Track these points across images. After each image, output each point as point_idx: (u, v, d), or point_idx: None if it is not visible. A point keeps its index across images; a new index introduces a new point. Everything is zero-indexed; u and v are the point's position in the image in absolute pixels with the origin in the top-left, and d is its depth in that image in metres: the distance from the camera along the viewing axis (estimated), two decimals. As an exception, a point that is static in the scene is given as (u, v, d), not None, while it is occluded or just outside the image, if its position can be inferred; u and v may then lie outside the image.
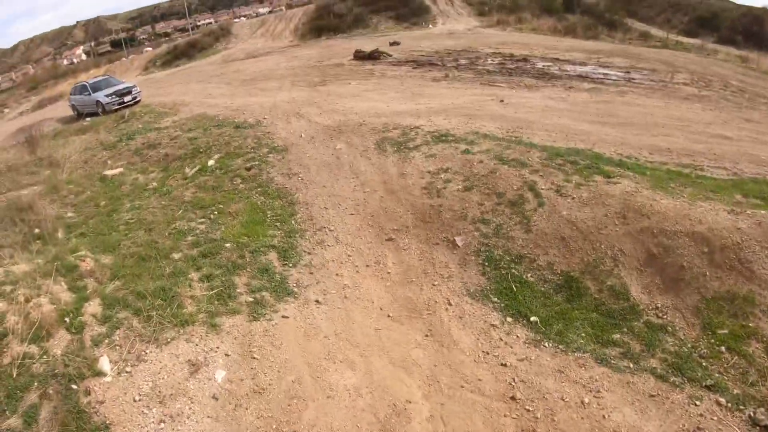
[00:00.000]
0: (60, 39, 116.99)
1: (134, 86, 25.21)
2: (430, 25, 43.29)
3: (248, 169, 12.39)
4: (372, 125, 13.99)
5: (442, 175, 10.88)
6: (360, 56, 28.15)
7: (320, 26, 44.19)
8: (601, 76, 21.35)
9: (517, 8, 47.76)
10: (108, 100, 23.65)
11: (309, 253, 9.48)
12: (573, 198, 9.25)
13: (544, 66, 23.77)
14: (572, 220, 8.86)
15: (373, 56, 27.66)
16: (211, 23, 76.23)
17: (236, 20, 54.47)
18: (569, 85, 19.60)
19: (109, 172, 14.16)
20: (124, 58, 55.55)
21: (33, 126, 23.93)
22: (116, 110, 22.79)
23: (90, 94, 24.67)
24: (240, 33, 47.49)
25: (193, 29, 79.53)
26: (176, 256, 9.15)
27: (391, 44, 31.71)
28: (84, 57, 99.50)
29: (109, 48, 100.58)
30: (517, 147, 11.38)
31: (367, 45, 32.91)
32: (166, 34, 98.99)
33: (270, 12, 68.96)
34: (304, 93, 20.32)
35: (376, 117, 14.92)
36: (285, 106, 18.05)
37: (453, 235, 9.41)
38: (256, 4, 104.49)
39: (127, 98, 24.07)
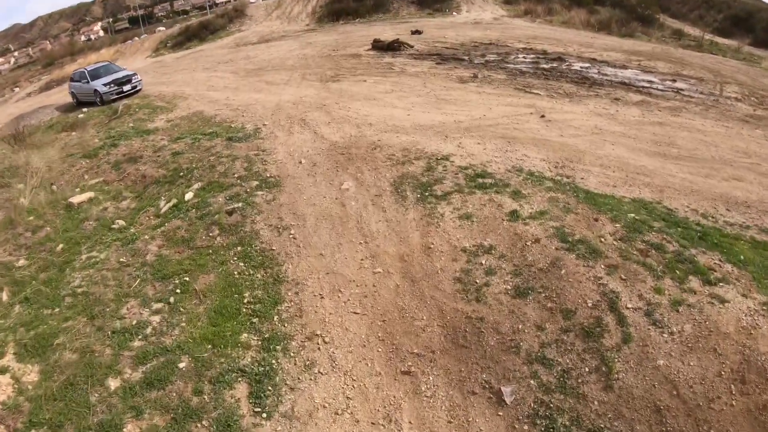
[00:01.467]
0: (78, 15, 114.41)
1: (134, 74, 22.74)
2: (454, 13, 39.91)
3: (229, 213, 9.68)
4: (389, 149, 11.28)
5: (483, 260, 7.75)
6: (379, 46, 25.18)
7: (338, 9, 40.93)
8: (646, 84, 18.44)
9: (544, -3, 44.09)
10: (106, 89, 21.39)
11: (292, 389, 6.48)
12: (672, 333, 6.28)
13: (582, 68, 20.73)
14: (672, 377, 5.93)
15: (393, 47, 24.67)
16: (229, 2, 73.09)
17: (252, 1, 51.34)
18: (614, 95, 16.62)
19: (76, 200, 11.58)
20: (136, 38, 52.73)
21: (27, 115, 22.45)
22: (114, 100, 20.87)
23: (88, 82, 22.37)
24: (255, 14, 44.38)
25: (211, 7, 76.58)
26: (113, 384, 6.54)
27: (413, 33, 28.69)
28: (102, 33, 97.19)
29: (127, 25, 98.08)
30: (579, 207, 8.55)
31: (387, 33, 29.94)
32: (185, 12, 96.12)
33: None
34: (314, 91, 17.55)
35: (394, 134, 12.22)
36: (290, 109, 15.34)
37: (498, 379, 6.34)
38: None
39: (126, 87, 21.84)
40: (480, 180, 9.59)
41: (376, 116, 13.90)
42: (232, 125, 14.70)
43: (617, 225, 7.97)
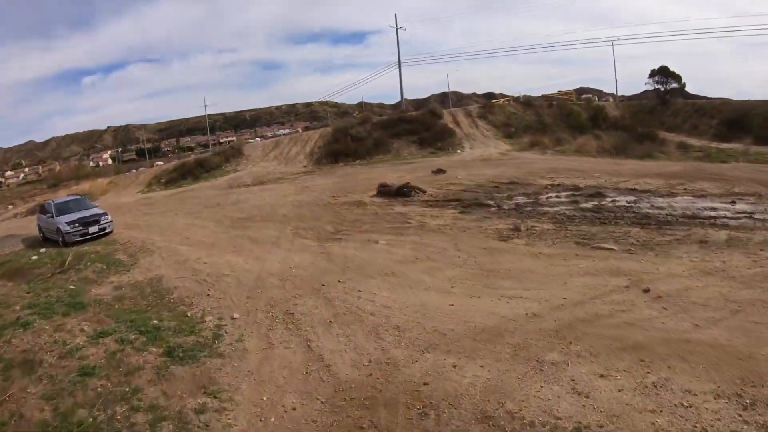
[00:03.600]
0: (90, 141, 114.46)
1: (104, 214, 18.44)
2: (458, 151, 36.98)
3: None
4: (450, 408, 6.06)
5: None
6: (386, 191, 21.01)
7: (337, 151, 37.80)
8: (713, 214, 14.81)
9: (544, 128, 41.87)
10: (69, 228, 17.28)
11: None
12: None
13: (629, 203, 16.83)
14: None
15: (403, 192, 20.50)
16: (233, 141, 72.11)
17: (250, 141, 49.13)
18: (695, 236, 12.31)
19: None
20: (134, 170, 49.70)
21: None
22: (77, 243, 16.90)
23: (52, 217, 18.22)
24: (252, 154, 41.30)
25: (214, 145, 75.70)
26: None
27: (435, 172, 25.25)
28: (110, 161, 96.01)
29: (134, 156, 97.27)
30: None
31: (390, 174, 26.20)
32: (190, 148, 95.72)
33: (287, 134, 64.49)
34: (309, 257, 12.75)
35: (443, 354, 7.19)
36: (273, 289, 10.41)
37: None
38: (277, 126, 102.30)
39: (92, 229, 17.72)
40: None
41: (402, 309, 8.90)
42: (188, 314, 9.61)
43: None
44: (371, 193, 21.55)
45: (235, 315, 9.23)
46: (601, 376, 6.43)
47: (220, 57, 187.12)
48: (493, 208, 17.38)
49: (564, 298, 9.02)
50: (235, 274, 11.80)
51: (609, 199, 17.56)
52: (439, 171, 25.94)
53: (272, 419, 6.06)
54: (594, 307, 8.54)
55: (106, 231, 17.97)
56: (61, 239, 17.26)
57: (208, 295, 10.61)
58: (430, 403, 6.15)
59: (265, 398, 6.50)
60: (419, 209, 17.85)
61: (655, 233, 12.85)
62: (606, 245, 12.08)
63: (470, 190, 21.07)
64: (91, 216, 17.89)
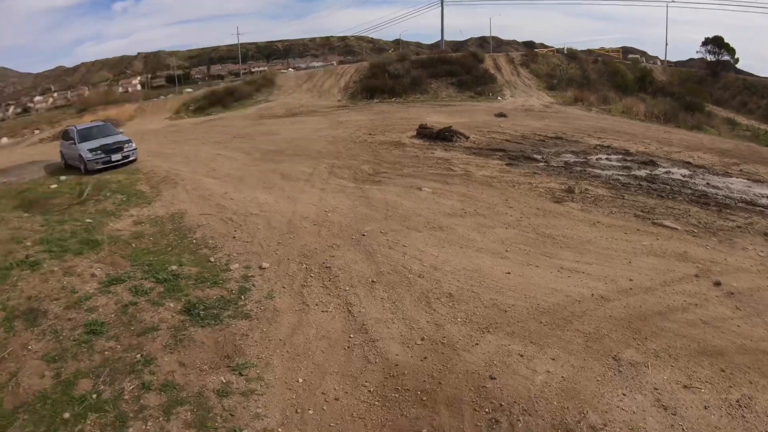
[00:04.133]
0: (120, 67, 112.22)
1: (128, 141, 17.26)
2: (499, 98, 34.51)
3: None
4: (519, 411, 4.78)
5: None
6: (426, 134, 19.28)
7: (373, 87, 35.56)
8: None
9: (588, 84, 38.93)
10: (90, 156, 16.21)
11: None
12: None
13: (684, 177, 14.86)
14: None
15: (444, 136, 18.74)
16: (265, 71, 69.64)
17: (284, 71, 46.82)
18: (756, 225, 10.41)
19: None
20: (162, 96, 48.20)
21: (11, 170, 18.67)
22: (99, 170, 16.03)
23: (75, 144, 17.03)
24: (284, 85, 39.28)
25: (245, 74, 73.43)
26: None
27: (498, 116, 24.77)
28: (139, 87, 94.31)
29: (164, 82, 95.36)
30: None
31: (430, 116, 24.32)
32: (220, 77, 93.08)
33: (321, 66, 61.64)
34: (346, 200, 11.34)
35: (506, 335, 5.89)
36: (307, 236, 9.11)
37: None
38: (311, 58, 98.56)
39: (115, 156, 16.67)
40: None
41: (453, 272, 7.53)
42: (211, 259, 8.41)
43: None
44: (410, 133, 19.85)
45: (264, 264, 7.98)
46: (685, 386, 5.16)
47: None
48: (541, 164, 15.66)
49: (631, 281, 7.54)
50: (264, 214, 10.52)
51: (663, 170, 15.62)
52: (501, 115, 24.60)
53: (310, 411, 4.85)
54: (666, 297, 7.05)
55: (130, 159, 17.00)
56: (83, 167, 16.30)
57: (234, 237, 9.37)
58: (501, 405, 4.87)
59: (300, 380, 5.27)
60: (462, 156, 16.16)
61: (715, 216, 11.05)
62: (668, 223, 10.38)
63: (515, 140, 19.17)
64: (114, 143, 16.82)
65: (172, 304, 6.87)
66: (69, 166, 17.58)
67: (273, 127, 23.99)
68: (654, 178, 14.52)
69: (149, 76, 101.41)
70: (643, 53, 76.40)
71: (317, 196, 11.73)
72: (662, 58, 61.37)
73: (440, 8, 50.98)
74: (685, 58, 59.26)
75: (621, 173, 14.91)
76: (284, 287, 7.25)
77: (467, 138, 18.78)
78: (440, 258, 8.11)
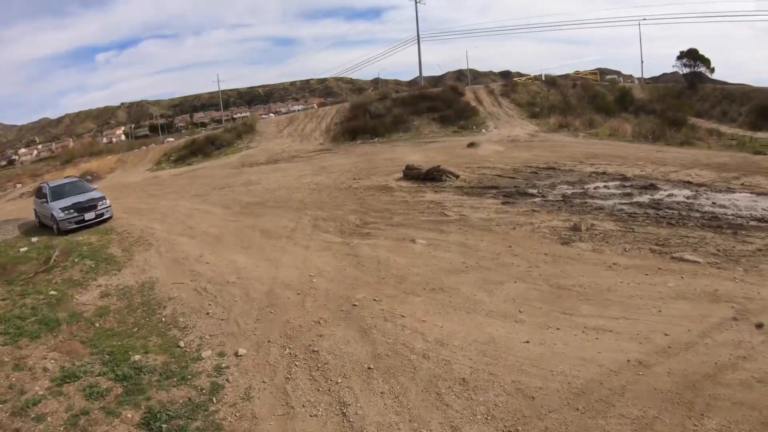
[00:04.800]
0: (104, 117, 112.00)
1: (102, 198, 16.28)
2: (483, 130, 34.01)
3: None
4: None
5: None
6: (413, 175, 18.40)
7: (355, 128, 34.87)
8: None
9: (570, 109, 38.75)
10: (63, 215, 15.38)
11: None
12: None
13: (687, 199, 14.02)
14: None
15: (432, 176, 17.88)
16: (246, 116, 69.27)
17: (264, 117, 46.26)
18: None
19: None
20: (143, 147, 47.18)
21: None
22: (71, 231, 15.13)
23: (47, 202, 16.18)
24: (265, 131, 38.49)
25: (227, 121, 73.04)
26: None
27: (470, 146, 23.98)
28: (123, 137, 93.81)
29: (147, 132, 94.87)
30: None
31: (414, 154, 23.62)
32: (203, 124, 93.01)
33: (301, 109, 61.33)
34: (333, 260, 10.24)
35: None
36: (290, 310, 7.97)
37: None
38: (291, 102, 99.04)
39: (88, 215, 15.79)
40: None
41: (463, 348, 6.41)
42: (180, 344, 7.23)
43: None
44: (396, 175, 18.98)
45: (241, 351, 6.80)
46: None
47: (233, 32, 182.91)
48: (538, 198, 14.79)
49: (666, 335, 6.49)
50: (242, 282, 9.39)
51: (665, 193, 14.87)
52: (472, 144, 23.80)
53: None
54: (709, 353, 6.01)
55: (104, 217, 16.15)
56: (55, 227, 15.39)
57: (208, 313, 8.21)
58: None
59: None
60: (454, 197, 15.24)
61: (732, 240, 10.14)
62: (688, 256, 9.43)
63: (506, 175, 18.36)
64: (87, 201, 15.94)
65: (129, 414, 5.65)
66: (43, 225, 16.65)
67: (254, 176, 23.02)
68: (658, 203, 13.72)
69: (132, 126, 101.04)
70: (618, 72, 77.75)
71: (300, 256, 10.62)
72: (636, 75, 62.29)
73: (417, 45, 51.24)
74: (658, 73, 60.13)
75: (623, 202, 14.10)
76: (264, 382, 6.07)
77: (457, 177, 17.92)
78: (446, 329, 7.00)
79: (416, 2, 50.32)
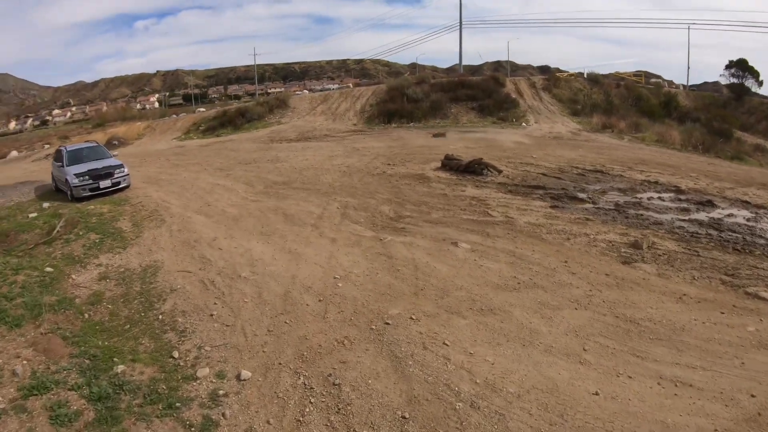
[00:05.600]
0: (139, 84, 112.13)
1: (120, 166, 15.23)
2: (524, 124, 31.98)
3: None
4: None
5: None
6: (452, 165, 16.78)
7: (390, 111, 33.19)
8: None
9: (612, 109, 36.29)
10: (77, 182, 14.26)
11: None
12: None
13: (747, 221, 12.35)
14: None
15: (473, 169, 16.24)
16: (281, 92, 68.09)
17: (297, 93, 44.81)
18: None
19: None
20: (174, 115, 46.35)
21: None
22: (86, 198, 14.05)
23: (63, 166, 15.10)
24: (298, 107, 37.12)
25: (261, 95, 72.00)
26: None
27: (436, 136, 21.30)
28: (156, 105, 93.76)
29: (181, 101, 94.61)
30: None
31: (453, 144, 21.96)
32: (237, 97, 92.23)
33: (336, 88, 59.68)
34: (361, 260, 8.80)
35: None
36: (309, 322, 6.62)
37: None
38: (326, 80, 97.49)
39: (103, 183, 14.65)
40: None
41: (520, 396, 5.00)
42: (175, 355, 5.94)
43: None
44: (433, 164, 17.40)
45: (245, 373, 5.45)
46: None
47: (273, 7, 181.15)
48: (588, 204, 13.17)
49: (753, 396, 4.98)
50: (255, 279, 8.05)
51: (724, 212, 13.15)
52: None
53: None
54: None
55: (121, 186, 15.01)
56: (69, 193, 14.35)
57: (212, 315, 6.90)
58: None
59: None
60: (498, 195, 13.65)
61: None
62: (763, 293, 7.74)
63: (552, 174, 16.61)
64: (104, 168, 14.82)
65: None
66: (59, 189, 15.66)
67: (282, 153, 21.68)
68: (719, 224, 12.03)
69: (167, 94, 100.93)
70: (659, 77, 73.74)
71: (326, 251, 9.22)
72: (678, 81, 58.80)
73: (459, 31, 49.05)
74: (699, 81, 56.81)
75: (681, 218, 12.42)
76: (269, 423, 4.70)
77: (500, 172, 16.24)
78: (498, 367, 5.53)
79: (462, -15, 47.83)
